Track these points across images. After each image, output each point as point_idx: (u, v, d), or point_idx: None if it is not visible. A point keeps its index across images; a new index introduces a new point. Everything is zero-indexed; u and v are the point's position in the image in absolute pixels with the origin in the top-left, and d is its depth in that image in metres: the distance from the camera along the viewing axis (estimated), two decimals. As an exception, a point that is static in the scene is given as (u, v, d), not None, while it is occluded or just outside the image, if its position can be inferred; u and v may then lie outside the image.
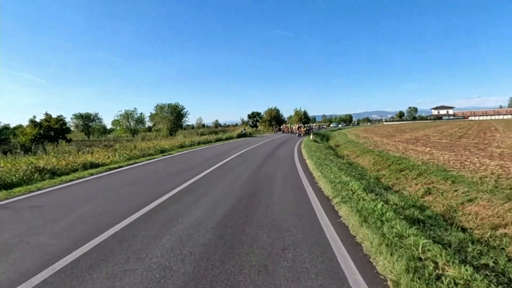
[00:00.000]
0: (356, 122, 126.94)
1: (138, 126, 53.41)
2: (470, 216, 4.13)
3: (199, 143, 18.97)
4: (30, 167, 7.39)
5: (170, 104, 45.41)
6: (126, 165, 9.42)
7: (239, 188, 5.63)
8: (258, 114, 57.81)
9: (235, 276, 2.38)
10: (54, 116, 27.23)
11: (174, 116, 44.63)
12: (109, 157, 10.64)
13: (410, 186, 6.28)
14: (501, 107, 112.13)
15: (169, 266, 2.57)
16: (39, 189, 5.97)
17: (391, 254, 2.54)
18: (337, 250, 2.82)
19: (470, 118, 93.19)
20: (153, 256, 2.75)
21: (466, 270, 2.20)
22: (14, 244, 3.13)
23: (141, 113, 55.20)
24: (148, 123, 59.53)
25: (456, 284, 2.10)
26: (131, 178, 7.07)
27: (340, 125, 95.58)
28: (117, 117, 54.13)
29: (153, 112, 46.52)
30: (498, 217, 3.86)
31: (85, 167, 8.84)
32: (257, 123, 57.18)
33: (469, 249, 2.76)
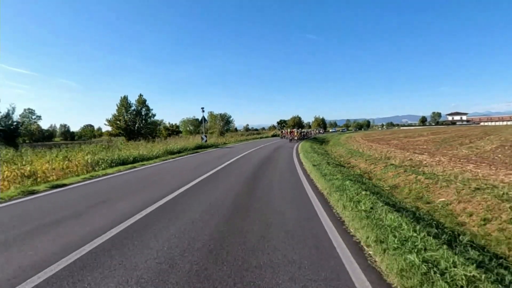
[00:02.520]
0: (369, 127, 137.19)
1: (196, 129, 73.51)
2: (343, 158, 20.24)
3: (253, 139, 35.90)
4: (213, 141, 24.54)
5: (221, 113, 63.77)
6: (243, 142, 26.73)
7: (277, 145, 22.79)
8: (285, 121, 74.72)
9: (275, 157, 18.95)
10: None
11: (224, 122, 62.64)
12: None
13: (331, 151, 22.30)
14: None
15: (267, 153, 19.26)
16: (223, 146, 23.04)
17: (308, 160, 18.77)
18: (294, 157, 19.15)
19: (482, 123, 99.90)
20: (263, 151, 19.39)
21: (335, 168, 18.37)
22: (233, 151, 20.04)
23: (197, 119, 75.12)
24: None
25: (331, 174, 18.36)
26: (251, 143, 24.46)
27: (341, 130, 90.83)
28: (181, 122, 74.87)
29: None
30: (345, 155, 19.97)
31: (224, 143, 25.87)
32: (283, 127, 74.01)
33: (332, 162, 18.92)
